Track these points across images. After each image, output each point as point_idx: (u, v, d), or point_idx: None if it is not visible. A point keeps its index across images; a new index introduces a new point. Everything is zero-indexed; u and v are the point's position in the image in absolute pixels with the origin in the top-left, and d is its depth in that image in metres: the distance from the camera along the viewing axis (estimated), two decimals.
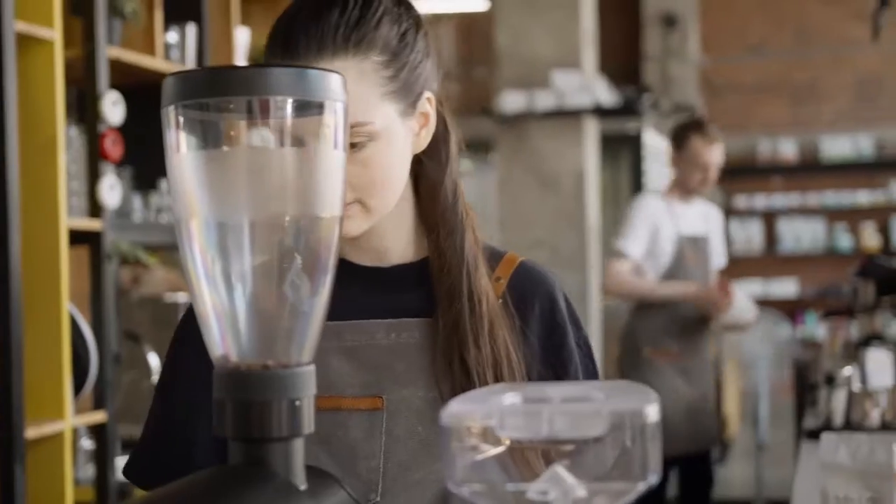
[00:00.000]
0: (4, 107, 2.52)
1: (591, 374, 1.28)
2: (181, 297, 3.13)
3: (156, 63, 3.11)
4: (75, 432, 2.77)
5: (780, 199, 10.09)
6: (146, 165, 3.20)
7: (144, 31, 3.13)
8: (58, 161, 2.67)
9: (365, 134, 1.14)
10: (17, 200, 2.56)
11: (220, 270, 0.83)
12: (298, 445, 0.83)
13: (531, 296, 1.26)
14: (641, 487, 0.71)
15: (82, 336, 2.77)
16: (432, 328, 1.21)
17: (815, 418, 3.03)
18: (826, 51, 9.94)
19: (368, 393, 1.19)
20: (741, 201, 10.16)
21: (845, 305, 4.75)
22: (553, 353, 1.26)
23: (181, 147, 0.84)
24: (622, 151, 7.32)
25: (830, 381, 3.07)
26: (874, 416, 2.70)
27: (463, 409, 0.74)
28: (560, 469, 0.74)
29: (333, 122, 0.84)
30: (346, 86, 1.11)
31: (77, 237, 2.82)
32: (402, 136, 1.19)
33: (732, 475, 6.89)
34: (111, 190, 2.89)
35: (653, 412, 0.71)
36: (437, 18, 9.65)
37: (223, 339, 0.84)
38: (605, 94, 5.82)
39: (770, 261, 10.15)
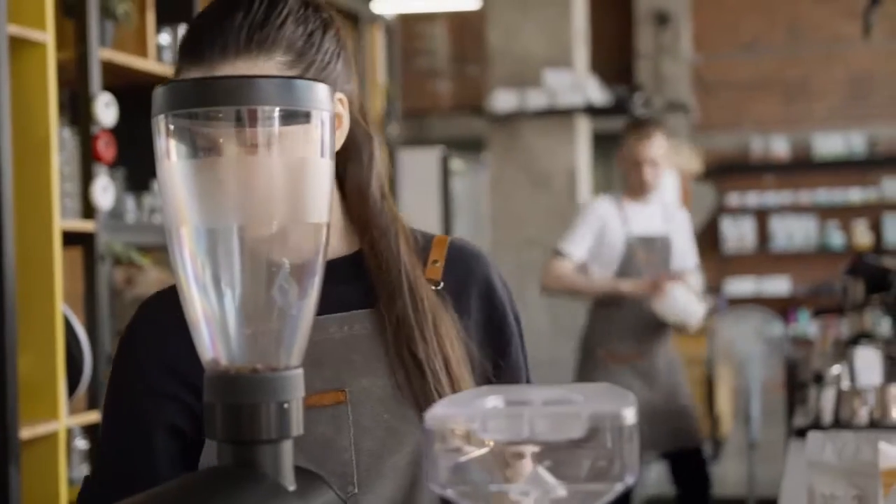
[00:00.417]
0: None
1: (523, 351, 1.33)
2: None
3: (148, 64, 3.13)
4: (69, 433, 2.78)
5: (772, 197, 10.12)
6: (139, 166, 3.21)
7: (136, 32, 3.14)
8: (51, 163, 2.68)
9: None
10: (11, 202, 2.57)
11: (209, 276, 0.85)
12: (287, 447, 0.85)
13: (469, 277, 1.29)
14: (619, 488, 0.73)
15: (76, 337, 2.78)
16: (380, 318, 1.23)
17: (804, 417, 3.05)
18: (818, 48, 9.97)
19: (330, 387, 1.20)
20: (733, 199, 10.19)
21: (836, 304, 4.77)
22: (494, 334, 1.30)
23: (171, 155, 0.86)
24: (614, 150, 7.34)
25: (819, 379, 3.09)
26: (863, 415, 2.72)
27: (446, 413, 0.75)
28: (541, 470, 0.76)
29: (320, 130, 0.86)
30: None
31: (70, 238, 2.83)
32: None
33: (725, 473, 6.91)
34: (104, 191, 2.91)
35: (630, 415, 0.73)
36: (430, 17, 9.66)
37: (213, 344, 0.85)
38: (597, 92, 5.84)
39: (762, 258, 10.18)
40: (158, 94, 0.86)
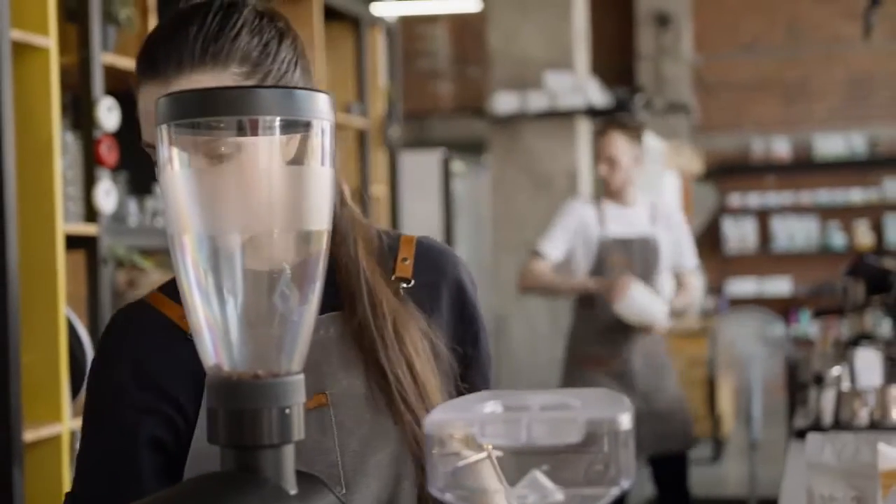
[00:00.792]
0: (1, 114, 2.55)
1: (488, 347, 1.34)
2: None
3: None
4: (72, 435, 2.80)
5: (773, 198, 10.13)
6: (141, 170, 3.22)
7: (139, 37, 3.15)
8: (54, 167, 2.69)
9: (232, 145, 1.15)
10: (14, 206, 2.59)
11: (212, 283, 0.86)
12: (289, 452, 0.86)
13: (439, 272, 1.30)
14: (615, 492, 0.75)
15: (79, 339, 2.79)
16: (348, 320, 1.24)
17: (804, 418, 3.06)
18: (818, 49, 9.98)
19: (312, 390, 1.21)
20: (735, 199, 10.20)
21: (837, 304, 4.77)
22: (465, 328, 1.31)
23: (174, 164, 0.87)
24: None
25: (820, 380, 3.10)
26: (863, 416, 2.73)
27: (445, 418, 0.77)
28: (538, 474, 0.77)
29: (320, 139, 0.87)
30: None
31: (73, 242, 2.85)
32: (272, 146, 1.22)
33: (726, 473, 6.92)
34: (107, 195, 2.92)
35: (626, 420, 0.74)
36: (431, 18, 9.67)
37: (215, 350, 0.87)
38: (598, 94, 5.85)
39: (764, 259, 10.20)
40: (162, 104, 0.87)
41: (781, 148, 10.11)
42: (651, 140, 7.86)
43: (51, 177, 2.69)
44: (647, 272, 4.01)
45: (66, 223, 2.77)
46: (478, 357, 1.32)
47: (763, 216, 10.20)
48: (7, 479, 2.55)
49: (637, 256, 4.01)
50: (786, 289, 10.11)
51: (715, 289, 10.00)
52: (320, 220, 0.88)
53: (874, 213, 9.99)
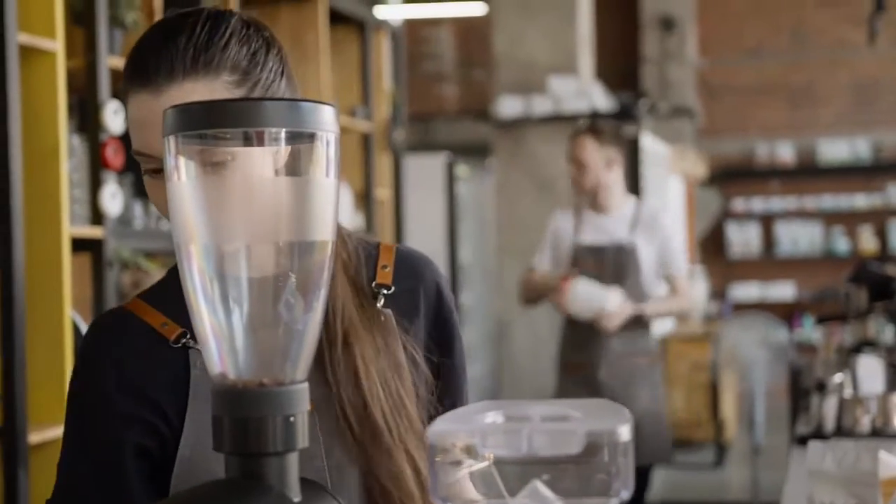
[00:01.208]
0: (8, 117, 2.56)
1: (463, 357, 1.35)
2: None
3: None
4: None
5: (777, 203, 10.13)
6: None
7: None
8: (60, 169, 2.71)
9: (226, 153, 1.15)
10: (21, 208, 2.60)
11: (217, 291, 0.87)
12: (293, 459, 0.87)
13: (418, 279, 1.32)
14: (615, 503, 0.75)
15: None
16: None
17: (806, 425, 3.06)
18: (823, 54, 9.98)
19: None
20: (739, 204, 10.20)
21: (840, 311, 4.78)
22: (442, 334, 1.32)
23: (181, 174, 0.88)
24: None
25: (822, 387, 3.11)
26: (865, 423, 2.73)
27: (447, 428, 0.78)
28: (539, 484, 0.78)
29: (325, 151, 0.88)
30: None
31: (79, 244, 2.86)
32: (263, 152, 1.23)
33: (729, 478, 6.93)
34: (113, 198, 2.93)
35: (626, 431, 0.75)
36: (436, 21, 9.68)
37: (221, 358, 0.88)
38: (602, 99, 5.86)
39: (768, 264, 10.20)
40: (169, 115, 0.88)
41: (786, 153, 10.11)
42: (657, 145, 7.87)
43: (57, 180, 2.70)
44: (621, 278, 3.98)
45: (71, 226, 2.79)
46: (452, 366, 1.32)
47: (767, 221, 10.20)
48: (12, 481, 2.56)
49: (610, 263, 3.99)
50: (789, 294, 10.11)
51: (718, 293, 10.00)
52: (325, 231, 0.89)
53: (878, 218, 9.99)
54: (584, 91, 5.68)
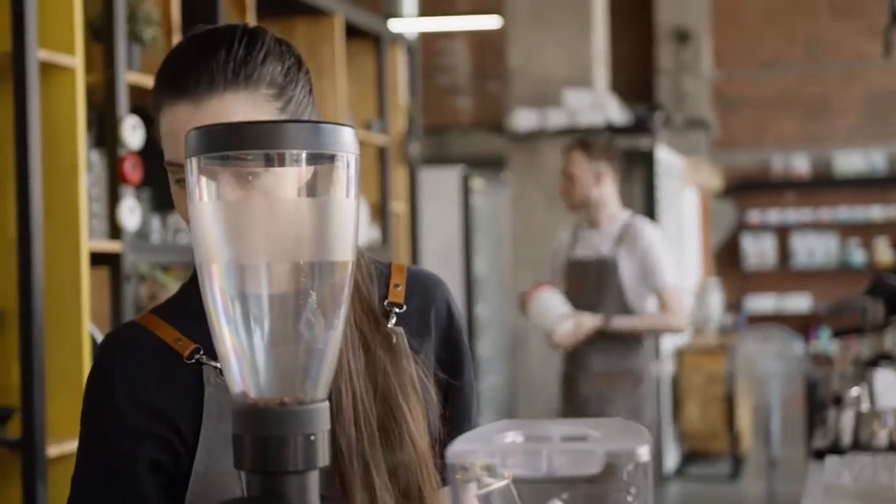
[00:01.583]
0: (28, 133, 2.59)
1: (474, 374, 1.36)
2: None
3: None
4: None
5: (793, 214, 10.11)
6: (164, 187, 3.24)
7: (162, 56, 3.19)
8: (79, 184, 2.73)
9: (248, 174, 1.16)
10: (41, 223, 2.62)
11: (239, 311, 0.88)
12: (313, 478, 0.88)
13: (430, 298, 1.33)
14: None
15: None
16: None
17: (823, 438, 3.05)
18: (838, 66, 9.97)
19: None
20: (754, 216, 10.18)
21: (856, 324, 4.76)
22: (451, 353, 1.33)
23: (203, 195, 0.89)
24: (635, 168, 7.35)
25: (839, 401, 3.10)
26: (882, 437, 2.72)
27: (467, 448, 0.78)
28: (558, 503, 0.78)
29: (345, 172, 0.89)
30: (238, 116, 1.16)
31: (97, 258, 2.88)
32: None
33: (744, 490, 6.90)
34: (131, 212, 2.95)
35: (645, 452, 0.76)
36: (451, 33, 9.70)
37: (242, 377, 0.88)
38: (617, 112, 5.86)
39: (783, 276, 10.17)
40: (191, 136, 0.89)
41: (801, 165, 10.09)
42: (671, 157, 7.86)
43: (76, 194, 2.72)
44: (603, 292, 3.97)
45: (90, 240, 2.81)
46: (460, 387, 1.33)
47: (782, 233, 10.18)
48: (31, 494, 2.58)
49: (592, 277, 3.99)
50: (805, 306, 10.08)
51: (734, 305, 9.97)
52: (345, 251, 0.90)
53: (894, 230, 9.96)
54: (600, 104, 5.68)
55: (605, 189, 4.00)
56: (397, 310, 1.28)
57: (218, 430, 1.18)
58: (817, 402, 4.45)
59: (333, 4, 4.27)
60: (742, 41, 10.17)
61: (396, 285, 1.31)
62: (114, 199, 2.93)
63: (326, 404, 0.88)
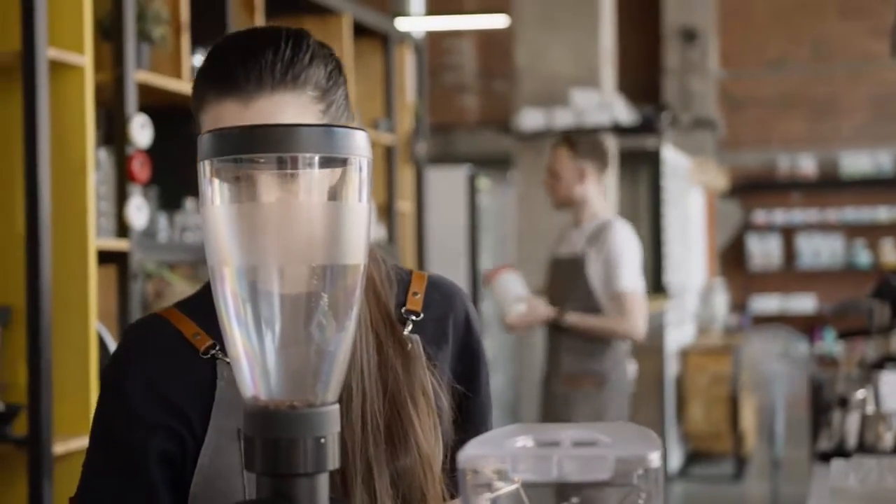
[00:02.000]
0: (37, 131, 2.59)
1: (488, 387, 1.37)
2: None
3: (182, 86, 3.18)
4: None
5: (798, 215, 10.09)
6: (172, 185, 3.26)
7: (172, 55, 3.20)
8: (87, 183, 2.73)
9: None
10: (49, 221, 2.63)
11: (250, 314, 0.88)
12: (323, 480, 0.88)
13: (449, 307, 1.33)
14: None
15: (109, 354, 2.83)
16: None
17: (828, 441, 3.05)
18: (845, 66, 9.95)
19: None
20: (760, 216, 10.17)
21: (862, 326, 4.75)
22: (468, 362, 1.34)
23: (215, 199, 0.89)
24: (641, 168, 7.36)
25: (844, 403, 3.10)
26: (887, 440, 2.72)
27: (478, 453, 0.79)
28: None
29: (358, 176, 0.90)
30: (286, 116, 1.17)
31: (105, 257, 2.88)
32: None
33: (748, 491, 6.90)
34: (138, 211, 2.96)
35: (656, 458, 0.76)
36: (457, 32, 9.70)
37: (253, 380, 0.89)
38: (624, 112, 5.86)
39: (789, 276, 10.16)
40: (204, 140, 0.89)
41: (807, 165, 10.08)
42: (678, 157, 7.86)
43: (84, 193, 2.73)
44: (571, 290, 3.96)
45: (98, 238, 2.81)
46: (476, 397, 1.34)
47: (788, 233, 10.17)
48: (37, 492, 2.58)
49: (563, 275, 4.00)
50: (810, 306, 10.06)
51: (739, 306, 9.96)
52: (357, 254, 0.90)
53: None
54: (606, 104, 5.68)
55: (588, 188, 3.99)
56: (414, 317, 1.29)
57: (225, 424, 1.19)
58: (822, 404, 4.44)
59: (341, 3, 4.27)
60: (749, 41, 10.16)
61: (415, 293, 1.32)
62: (121, 198, 2.93)
63: (337, 407, 0.88)
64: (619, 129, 5.79)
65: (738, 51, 10.16)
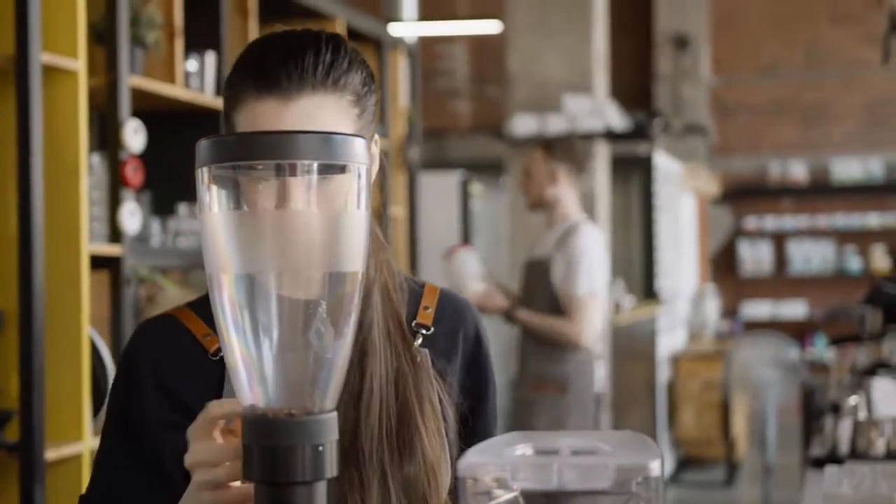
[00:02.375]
0: (30, 136, 2.58)
1: (495, 403, 1.37)
2: None
3: (176, 91, 3.18)
4: (93, 453, 2.82)
5: (790, 221, 10.11)
6: (165, 190, 3.26)
7: (165, 60, 3.19)
8: (80, 188, 2.72)
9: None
10: (41, 226, 2.62)
11: (248, 321, 0.88)
12: (321, 488, 0.88)
13: (459, 321, 1.34)
14: None
15: (101, 359, 2.82)
16: None
17: (820, 447, 3.05)
18: (837, 73, 9.98)
19: None
20: (751, 222, 10.19)
21: (853, 330, 4.76)
22: (476, 377, 1.34)
23: (213, 206, 0.89)
24: (633, 173, 7.37)
25: (836, 409, 3.10)
26: (879, 446, 2.72)
27: (477, 461, 0.78)
28: None
29: (356, 183, 0.90)
30: (325, 118, 1.17)
31: (97, 262, 2.87)
32: None
33: (739, 497, 6.90)
34: (131, 216, 2.95)
35: (656, 466, 0.76)
36: (450, 37, 9.70)
37: (251, 388, 0.88)
38: (617, 118, 5.86)
39: (779, 282, 10.17)
40: (202, 147, 0.89)
41: (798, 171, 10.10)
42: (669, 163, 7.87)
43: (77, 197, 2.72)
44: (537, 293, 3.95)
45: (90, 243, 2.80)
46: (483, 411, 1.34)
47: (779, 239, 10.18)
48: (29, 497, 2.57)
49: (533, 277, 3.99)
50: (801, 312, 10.08)
51: (730, 311, 9.98)
52: (355, 261, 0.90)
53: (891, 237, 9.96)
54: (599, 110, 5.68)
55: (560, 190, 3.99)
56: (424, 331, 1.30)
57: None
58: (813, 410, 4.45)
59: (334, 8, 4.27)
60: (741, 47, 10.18)
61: (426, 308, 1.32)
62: (114, 203, 2.93)
63: (335, 415, 0.88)
64: (611, 135, 5.79)
65: (730, 57, 10.18)
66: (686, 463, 7.36)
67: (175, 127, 3.23)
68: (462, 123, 10.00)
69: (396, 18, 5.80)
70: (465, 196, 6.62)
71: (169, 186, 3.24)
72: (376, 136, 1.30)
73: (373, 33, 4.73)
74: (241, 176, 0.92)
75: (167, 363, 1.24)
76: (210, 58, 3.35)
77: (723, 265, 10.22)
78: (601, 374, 4.13)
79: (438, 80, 10.03)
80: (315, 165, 0.88)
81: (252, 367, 0.88)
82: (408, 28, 5.52)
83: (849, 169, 9.96)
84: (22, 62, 2.58)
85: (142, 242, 3.09)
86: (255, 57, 1.21)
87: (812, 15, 10.05)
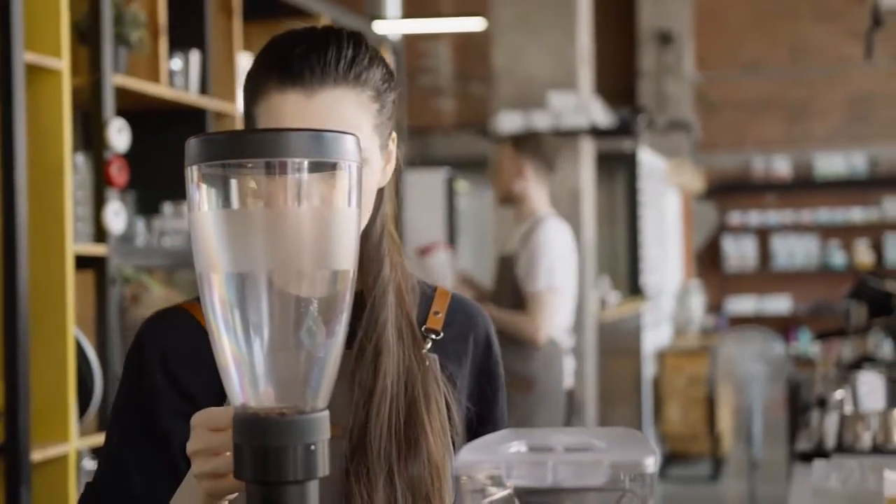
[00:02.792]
0: (14, 135, 2.57)
1: (504, 409, 1.38)
2: None
3: (160, 90, 3.16)
4: (79, 454, 2.81)
5: (773, 216, 10.15)
6: (150, 189, 3.24)
7: (149, 58, 3.18)
8: (65, 187, 2.71)
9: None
10: (25, 226, 2.60)
11: (238, 320, 0.88)
12: (313, 488, 0.87)
13: (470, 326, 1.35)
14: None
15: (87, 359, 2.81)
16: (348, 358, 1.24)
17: (807, 441, 3.06)
18: (820, 69, 10.02)
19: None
20: (735, 218, 10.22)
21: (838, 325, 4.78)
22: (485, 383, 1.35)
23: (203, 204, 0.88)
24: (618, 170, 7.38)
25: (822, 403, 3.11)
26: (866, 439, 2.73)
27: (472, 459, 0.78)
28: None
29: (347, 181, 0.89)
30: (346, 111, 1.17)
31: (82, 262, 2.86)
32: (377, 168, 1.26)
33: (725, 492, 6.93)
34: (116, 216, 2.93)
35: (651, 463, 0.76)
36: (434, 35, 9.69)
37: (242, 387, 0.88)
38: (601, 114, 5.87)
39: (763, 277, 10.21)
40: (191, 145, 0.88)
41: (782, 167, 10.14)
42: (654, 159, 7.89)
43: (61, 197, 2.71)
44: (505, 288, 3.93)
45: (75, 243, 2.79)
46: (492, 417, 1.35)
47: (763, 235, 10.22)
48: (15, 498, 2.56)
49: (502, 273, 3.99)
50: (785, 307, 10.12)
51: (714, 307, 10.01)
52: (346, 259, 0.89)
53: (874, 232, 10.01)
54: (584, 106, 5.68)
55: (528, 185, 3.99)
56: (434, 336, 1.30)
57: None
58: (799, 404, 4.47)
59: (318, 6, 4.26)
60: (724, 44, 10.21)
61: (436, 312, 1.33)
62: (99, 202, 2.91)
63: (326, 413, 0.88)
64: (596, 132, 5.80)
65: (713, 54, 10.20)
66: (672, 458, 7.38)
67: (160, 126, 3.22)
68: (447, 121, 10.00)
69: (380, 16, 5.79)
70: (451, 193, 6.62)
71: (154, 186, 3.23)
72: (394, 135, 1.30)
73: (356, 30, 4.73)
74: (230, 174, 0.91)
75: (176, 353, 1.25)
76: (194, 56, 3.34)
77: (707, 261, 10.25)
78: (570, 370, 4.04)
79: (423, 78, 10.02)
80: (305, 163, 0.87)
81: (243, 367, 0.88)
82: (392, 26, 5.51)
83: (832, 164, 10.00)
84: (5, 62, 2.56)
85: (127, 242, 3.07)
86: (279, 51, 1.22)
87: (795, 11, 10.08)
